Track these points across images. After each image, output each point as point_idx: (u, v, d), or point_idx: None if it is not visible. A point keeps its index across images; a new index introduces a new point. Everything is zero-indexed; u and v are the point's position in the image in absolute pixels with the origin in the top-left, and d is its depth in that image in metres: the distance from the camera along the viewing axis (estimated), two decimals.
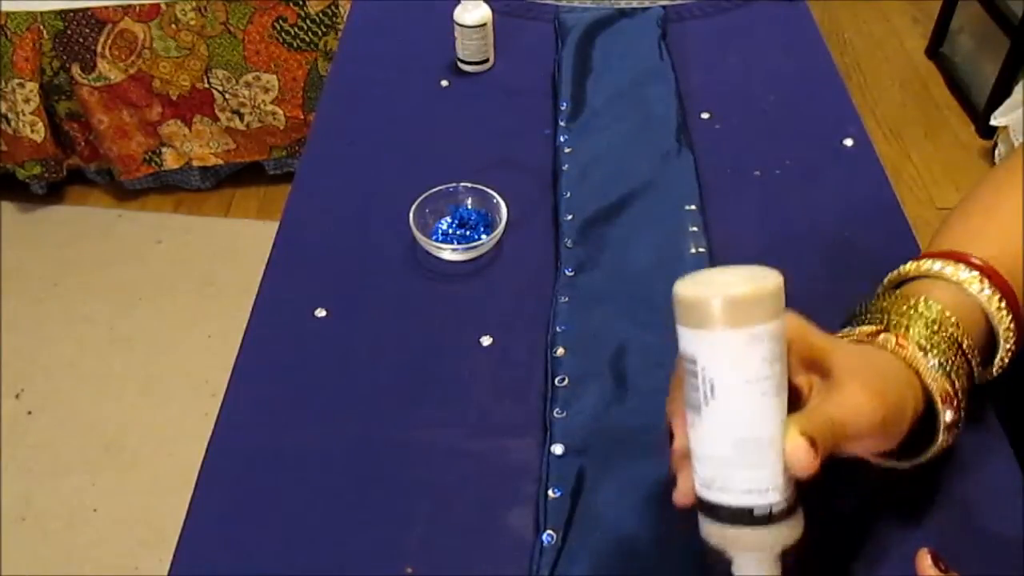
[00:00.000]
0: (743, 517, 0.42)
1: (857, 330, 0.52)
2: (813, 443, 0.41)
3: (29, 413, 1.67)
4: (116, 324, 1.82)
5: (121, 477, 1.57)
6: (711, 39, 1.02)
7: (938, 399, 0.48)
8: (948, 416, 0.48)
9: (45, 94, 1.87)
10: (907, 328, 0.50)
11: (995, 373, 0.54)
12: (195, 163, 2.01)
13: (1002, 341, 0.53)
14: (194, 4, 1.80)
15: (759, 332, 0.41)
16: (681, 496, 0.45)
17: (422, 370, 0.67)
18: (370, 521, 0.58)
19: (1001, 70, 2.07)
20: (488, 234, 0.76)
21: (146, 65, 1.85)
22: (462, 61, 0.97)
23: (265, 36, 1.84)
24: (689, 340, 0.42)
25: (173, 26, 1.81)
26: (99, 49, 1.82)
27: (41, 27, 1.79)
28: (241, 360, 0.69)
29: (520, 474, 0.60)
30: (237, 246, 1.98)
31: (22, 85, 1.82)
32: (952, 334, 0.50)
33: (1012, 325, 0.52)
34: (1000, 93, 2.07)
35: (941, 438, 0.48)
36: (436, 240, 0.76)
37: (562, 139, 0.86)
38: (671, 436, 0.46)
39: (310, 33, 1.86)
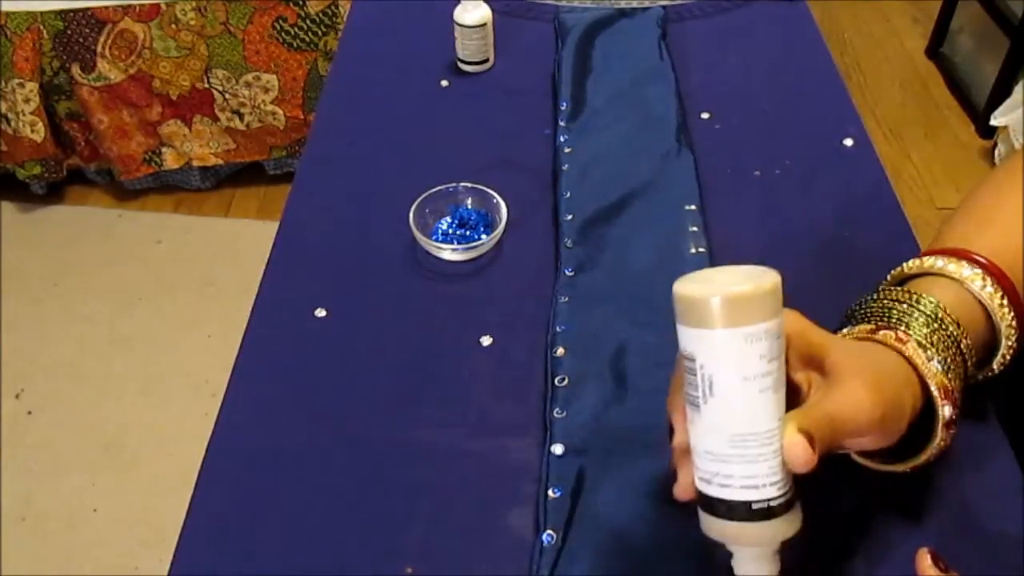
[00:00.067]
0: (742, 512, 0.43)
1: (857, 327, 0.52)
2: (810, 439, 0.41)
3: (29, 413, 1.67)
4: (116, 324, 1.82)
5: (121, 477, 1.57)
6: (711, 39, 1.02)
7: (937, 396, 0.48)
8: (947, 412, 0.48)
9: (45, 94, 1.87)
10: (908, 325, 0.50)
11: (996, 370, 0.55)
12: (195, 163, 2.01)
13: (1003, 339, 0.53)
14: (194, 4, 1.80)
15: (757, 330, 0.41)
16: (681, 491, 0.46)
17: (422, 370, 0.67)
18: (370, 521, 0.58)
19: (1001, 70, 2.07)
20: (488, 234, 0.76)
21: (146, 65, 1.85)
22: (462, 61, 0.97)
23: (265, 36, 1.84)
24: (688, 338, 0.43)
25: (173, 26, 1.81)
26: (99, 49, 1.82)
27: (41, 27, 1.79)
28: (241, 360, 0.69)
29: (520, 474, 0.60)
30: (237, 246, 1.98)
31: (22, 85, 1.82)
32: (952, 333, 0.50)
33: (1014, 323, 0.52)
34: (1000, 93, 2.07)
35: (939, 436, 0.48)
36: (436, 240, 0.76)
37: (562, 139, 0.86)
38: (671, 432, 0.46)
39: (310, 33, 1.86)
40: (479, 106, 0.94)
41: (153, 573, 1.42)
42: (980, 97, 2.20)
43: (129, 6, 1.79)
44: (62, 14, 1.78)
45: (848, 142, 0.86)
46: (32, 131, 1.87)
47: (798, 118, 0.90)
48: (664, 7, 1.04)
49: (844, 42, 2.52)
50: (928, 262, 0.54)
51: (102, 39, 1.81)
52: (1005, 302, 0.52)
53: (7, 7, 1.77)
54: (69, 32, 1.80)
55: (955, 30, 2.38)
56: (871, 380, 0.45)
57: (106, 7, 1.78)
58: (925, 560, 0.48)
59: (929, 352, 0.49)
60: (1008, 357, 0.54)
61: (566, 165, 0.83)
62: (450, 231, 0.78)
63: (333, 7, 1.84)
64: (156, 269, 1.94)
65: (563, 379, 0.64)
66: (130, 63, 1.84)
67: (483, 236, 0.76)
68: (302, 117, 1.94)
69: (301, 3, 1.82)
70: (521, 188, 0.81)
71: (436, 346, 0.69)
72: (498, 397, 0.65)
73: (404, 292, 0.74)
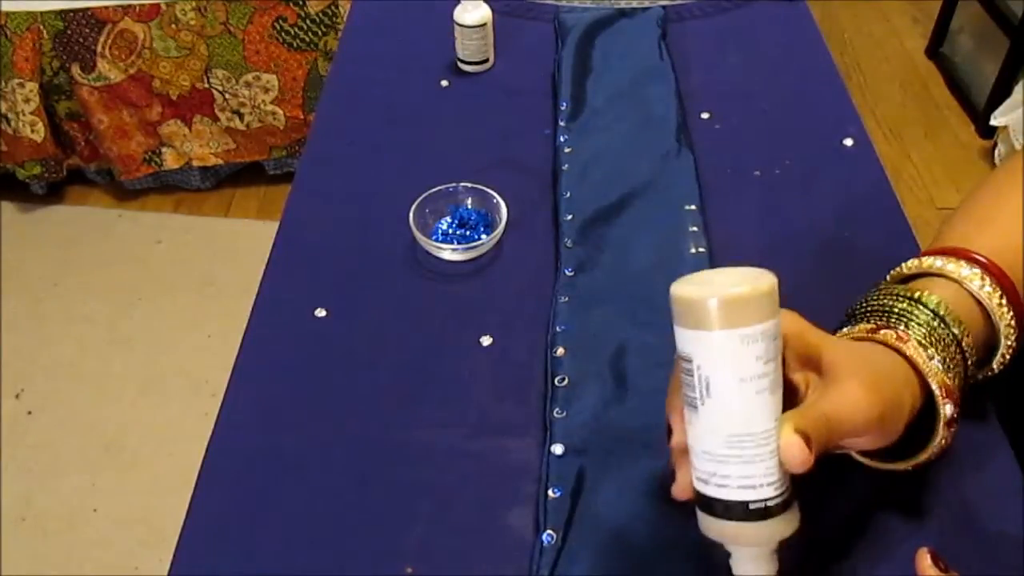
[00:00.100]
0: (739, 512, 0.43)
1: (858, 327, 0.52)
2: (807, 440, 0.42)
3: (29, 413, 1.67)
4: (116, 324, 1.82)
5: (121, 477, 1.57)
6: (711, 39, 1.02)
7: (939, 394, 0.48)
8: (948, 410, 0.48)
9: (45, 94, 1.87)
10: (908, 324, 0.50)
11: (996, 369, 0.55)
12: (195, 163, 2.01)
13: (1003, 338, 0.53)
14: (194, 4, 1.80)
15: (754, 332, 0.41)
16: (679, 490, 0.46)
17: (422, 370, 0.67)
18: (370, 521, 0.58)
19: (1001, 70, 2.07)
20: (488, 234, 0.76)
21: (146, 65, 1.85)
22: (462, 61, 0.97)
23: (265, 36, 1.84)
24: (685, 340, 0.43)
25: (173, 26, 1.81)
26: (99, 49, 1.82)
27: (41, 27, 1.79)
28: (241, 360, 0.69)
29: (520, 474, 0.60)
30: (237, 246, 1.98)
31: (22, 85, 1.82)
32: (952, 332, 0.50)
33: (1013, 322, 0.52)
34: (1000, 93, 2.07)
35: (940, 434, 0.49)
36: (436, 240, 0.76)
37: (562, 139, 0.86)
38: (670, 432, 0.47)
39: (310, 33, 1.86)
40: (479, 106, 0.94)
41: (153, 573, 1.42)
42: (980, 97, 2.20)
43: (129, 6, 1.79)
44: (62, 14, 1.78)
45: (848, 142, 0.86)
46: (32, 131, 1.87)
47: (798, 118, 0.90)
48: (664, 7, 1.04)
49: (844, 42, 2.52)
50: (927, 262, 0.54)
51: (102, 39, 1.81)
52: (1004, 301, 0.52)
53: (7, 7, 1.77)
54: (69, 32, 1.80)
55: (955, 30, 2.38)
56: (869, 380, 0.45)
57: (106, 7, 1.78)
58: (925, 560, 0.48)
59: (930, 351, 0.49)
60: (1008, 356, 0.54)
61: (566, 165, 0.83)
62: (450, 231, 0.78)
63: (333, 7, 1.84)
64: (156, 269, 1.94)
65: (563, 379, 0.64)
66: (130, 63, 1.84)
67: (483, 236, 0.76)
68: (302, 117, 1.94)
69: (301, 3, 1.82)
70: (521, 188, 0.81)
71: (436, 346, 0.69)
72: (498, 397, 0.65)
73: (404, 292, 0.74)
